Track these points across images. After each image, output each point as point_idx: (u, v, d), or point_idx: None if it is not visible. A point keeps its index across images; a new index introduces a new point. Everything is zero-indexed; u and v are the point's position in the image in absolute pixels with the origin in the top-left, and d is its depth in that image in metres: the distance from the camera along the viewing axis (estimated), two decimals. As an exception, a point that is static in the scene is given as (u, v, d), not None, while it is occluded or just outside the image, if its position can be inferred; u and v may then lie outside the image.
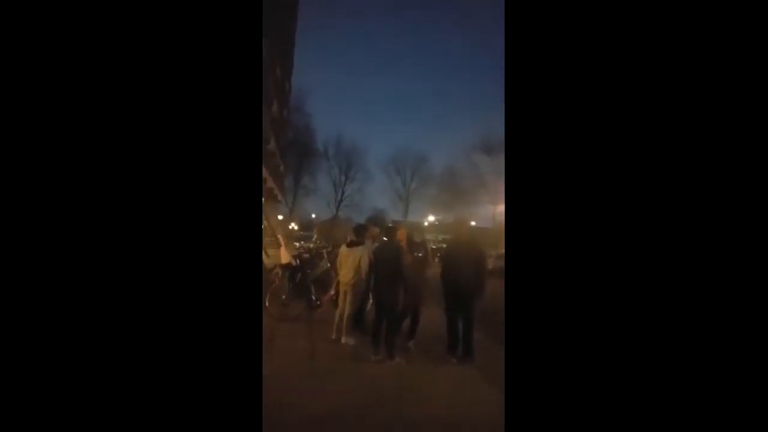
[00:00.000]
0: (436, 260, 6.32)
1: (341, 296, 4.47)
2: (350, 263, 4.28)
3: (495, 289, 4.38)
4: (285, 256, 5.96)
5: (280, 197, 24.82)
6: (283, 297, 5.51)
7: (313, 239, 17.70)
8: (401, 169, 35.36)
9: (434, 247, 14.89)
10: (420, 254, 4.43)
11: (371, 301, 4.20)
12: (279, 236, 6.56)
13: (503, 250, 17.06)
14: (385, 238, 4.29)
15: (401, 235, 4.29)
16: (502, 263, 13.11)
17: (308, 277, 5.79)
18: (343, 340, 4.24)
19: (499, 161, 25.57)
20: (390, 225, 4.93)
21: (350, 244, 4.41)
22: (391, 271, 3.82)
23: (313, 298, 5.50)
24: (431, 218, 32.16)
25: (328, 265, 5.94)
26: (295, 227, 25.83)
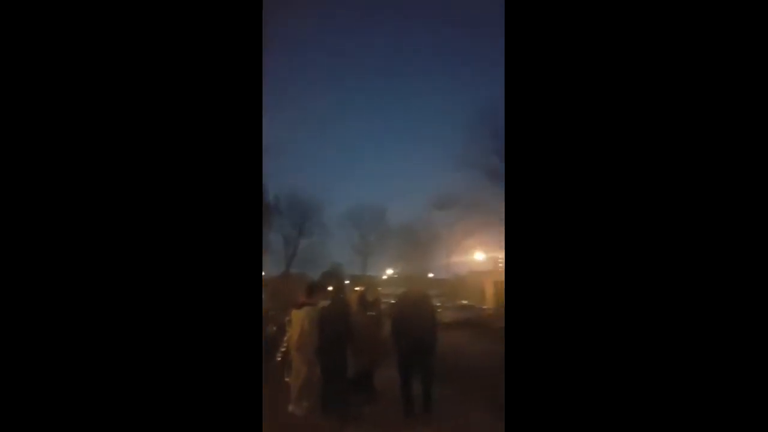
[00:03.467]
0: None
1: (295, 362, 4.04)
2: (297, 326, 3.92)
3: (454, 341, 4.21)
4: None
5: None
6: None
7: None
8: (359, 222, 35.31)
9: (393, 301, 14.59)
10: (373, 313, 4.22)
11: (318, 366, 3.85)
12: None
13: (462, 301, 17.30)
14: (332, 298, 4.03)
15: (353, 294, 4.07)
16: (461, 315, 13.24)
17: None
18: (290, 408, 3.79)
19: (451, 215, 26.53)
20: (340, 283, 4.66)
21: (300, 305, 4.06)
22: (338, 334, 3.55)
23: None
24: (390, 271, 31.89)
25: (275, 329, 5.52)
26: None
